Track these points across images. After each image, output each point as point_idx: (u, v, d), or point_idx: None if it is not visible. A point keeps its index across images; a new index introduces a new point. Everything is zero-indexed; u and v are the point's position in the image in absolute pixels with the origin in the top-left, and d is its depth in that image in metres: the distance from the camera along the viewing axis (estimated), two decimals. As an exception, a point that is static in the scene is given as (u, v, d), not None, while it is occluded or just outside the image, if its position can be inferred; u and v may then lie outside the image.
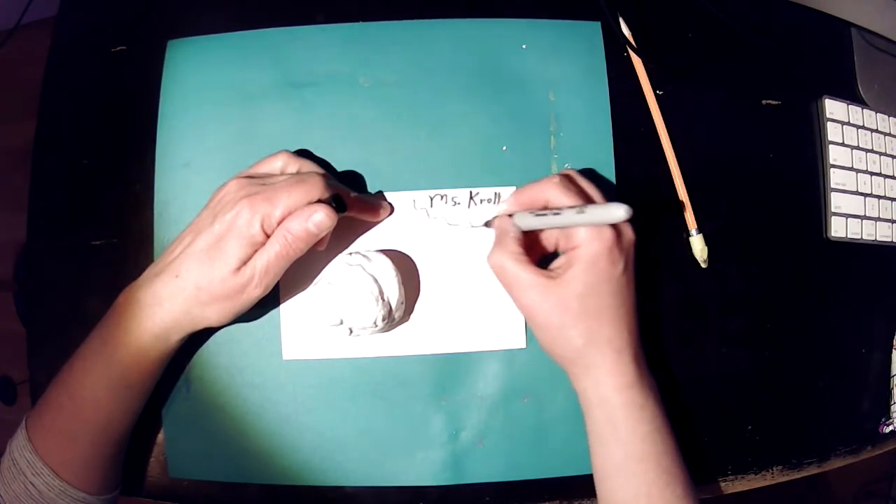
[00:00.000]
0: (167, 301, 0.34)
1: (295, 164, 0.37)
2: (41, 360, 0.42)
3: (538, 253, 0.37)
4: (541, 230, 0.37)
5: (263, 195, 0.34)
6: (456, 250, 0.41)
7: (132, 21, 0.44)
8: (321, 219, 0.34)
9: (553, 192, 0.35)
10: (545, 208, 0.35)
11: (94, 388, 0.34)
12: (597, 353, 0.34)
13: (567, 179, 0.36)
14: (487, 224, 0.39)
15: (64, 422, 0.34)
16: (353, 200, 0.37)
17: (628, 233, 0.35)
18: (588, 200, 0.36)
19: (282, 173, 0.37)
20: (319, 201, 0.34)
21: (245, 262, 0.34)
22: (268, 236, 0.34)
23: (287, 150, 0.38)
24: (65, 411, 0.34)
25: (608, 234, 0.33)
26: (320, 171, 0.37)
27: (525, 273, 0.34)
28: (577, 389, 0.36)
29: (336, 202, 0.35)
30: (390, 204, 0.41)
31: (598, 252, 0.33)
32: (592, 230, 0.33)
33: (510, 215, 0.36)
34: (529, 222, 0.35)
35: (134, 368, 0.35)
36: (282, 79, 0.42)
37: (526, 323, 0.36)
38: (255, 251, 0.34)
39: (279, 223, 0.34)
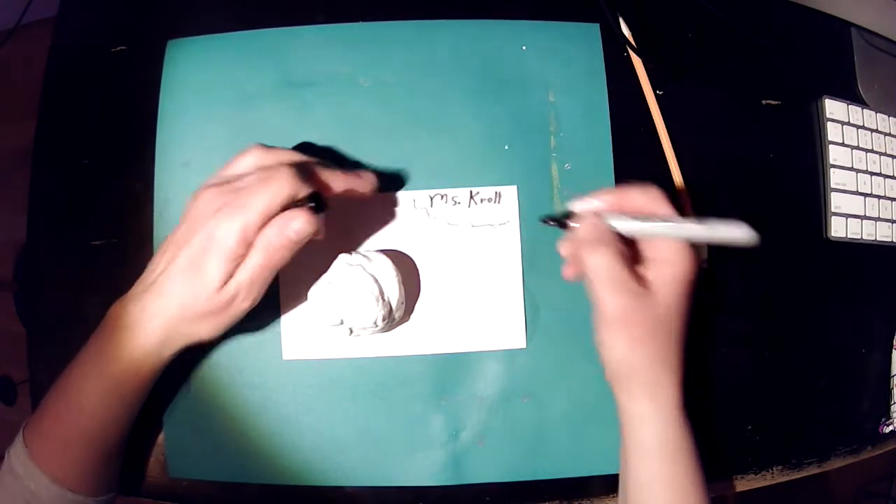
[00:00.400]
0: (155, 319, 0.33)
1: (268, 157, 0.35)
2: (41, 360, 0.42)
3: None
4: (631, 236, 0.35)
5: (236, 203, 0.32)
6: (456, 250, 0.41)
7: (132, 21, 0.44)
8: (300, 226, 0.32)
9: (653, 201, 0.34)
10: (637, 215, 0.34)
11: (88, 397, 0.34)
12: (664, 371, 0.34)
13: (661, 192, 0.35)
14: (560, 223, 0.36)
15: (60, 428, 0.34)
16: (333, 179, 0.35)
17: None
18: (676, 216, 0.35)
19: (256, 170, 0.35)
20: (298, 203, 0.33)
21: (229, 277, 0.32)
22: (249, 246, 0.32)
23: (260, 145, 0.36)
24: (61, 418, 0.34)
25: (694, 255, 0.33)
26: (294, 158, 0.35)
27: (628, 277, 0.33)
28: (627, 404, 0.35)
29: (314, 201, 0.33)
30: (373, 172, 0.38)
31: (689, 271, 0.33)
32: (686, 248, 0.33)
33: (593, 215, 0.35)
34: (634, 227, 0.33)
35: (127, 381, 0.34)
36: (282, 79, 0.42)
37: (601, 326, 0.34)
38: (238, 265, 0.32)
39: (258, 230, 0.32)
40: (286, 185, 0.32)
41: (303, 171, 0.34)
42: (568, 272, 0.36)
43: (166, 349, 0.34)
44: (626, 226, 0.34)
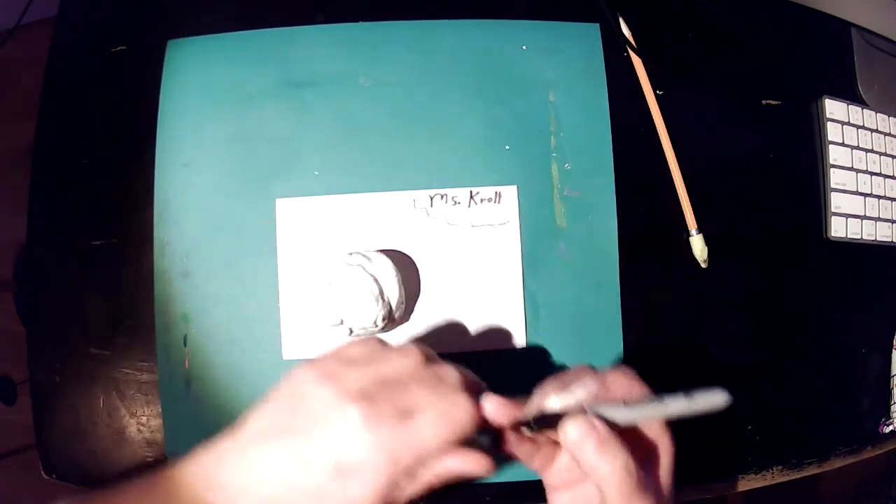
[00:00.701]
0: None
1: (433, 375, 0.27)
2: (41, 360, 0.42)
3: None
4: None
5: (403, 440, 0.25)
6: (456, 250, 0.41)
7: (132, 21, 0.44)
8: (476, 472, 0.26)
9: (633, 383, 0.30)
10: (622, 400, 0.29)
11: None
12: None
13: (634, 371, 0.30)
14: (541, 424, 0.28)
15: None
16: (499, 413, 0.28)
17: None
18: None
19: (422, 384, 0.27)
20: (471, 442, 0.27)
21: None
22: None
23: (419, 349, 0.28)
24: None
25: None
26: (461, 377, 0.28)
27: (644, 477, 0.28)
28: None
29: (492, 441, 0.27)
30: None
31: (673, 447, 0.30)
32: (665, 426, 0.30)
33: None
34: (628, 416, 0.28)
35: None
36: (282, 79, 0.42)
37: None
38: None
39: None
40: (466, 420, 0.26)
41: (476, 397, 0.27)
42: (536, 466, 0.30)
43: None
44: (621, 415, 0.29)
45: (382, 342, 0.29)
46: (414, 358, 0.28)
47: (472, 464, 0.26)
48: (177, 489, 0.26)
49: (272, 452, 0.26)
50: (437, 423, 0.26)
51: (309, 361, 0.28)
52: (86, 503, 0.27)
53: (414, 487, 0.26)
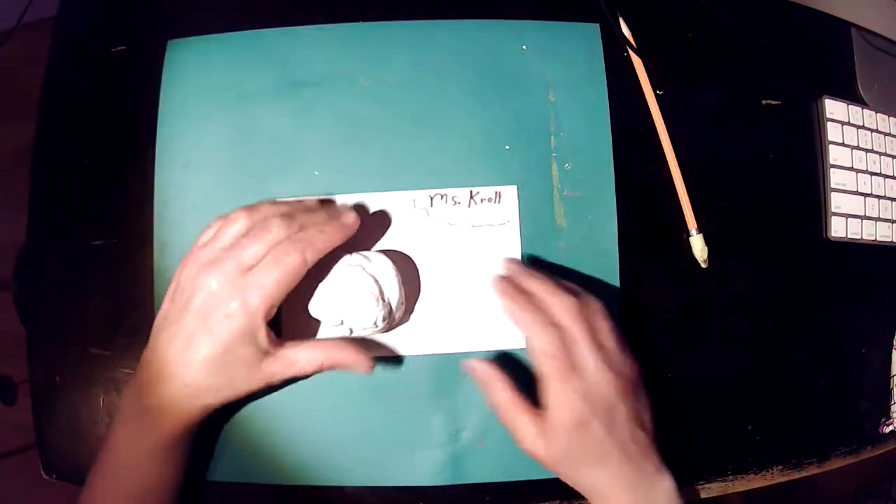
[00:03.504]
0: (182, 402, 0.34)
1: (257, 215, 0.35)
2: (41, 360, 0.42)
3: None
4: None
5: (247, 285, 0.33)
6: (456, 250, 0.41)
7: (132, 21, 0.44)
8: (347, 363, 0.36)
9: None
10: None
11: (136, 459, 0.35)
12: (594, 491, 0.35)
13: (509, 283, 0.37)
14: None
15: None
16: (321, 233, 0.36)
17: (617, 395, 0.35)
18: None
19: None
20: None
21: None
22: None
23: (244, 208, 0.36)
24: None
25: (576, 408, 0.33)
26: (281, 210, 0.36)
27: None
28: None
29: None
30: (352, 211, 0.38)
31: (566, 424, 0.34)
32: (558, 400, 0.34)
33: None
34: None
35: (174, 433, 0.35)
36: (282, 79, 0.42)
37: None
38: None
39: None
40: (300, 267, 0.34)
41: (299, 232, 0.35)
42: None
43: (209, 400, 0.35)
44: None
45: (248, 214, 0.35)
46: (256, 216, 0.35)
47: (342, 354, 0.35)
48: (124, 405, 0.36)
49: (172, 333, 0.34)
50: (270, 269, 0.33)
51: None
52: (92, 470, 0.35)
53: (283, 367, 0.35)
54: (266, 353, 0.34)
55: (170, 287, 0.35)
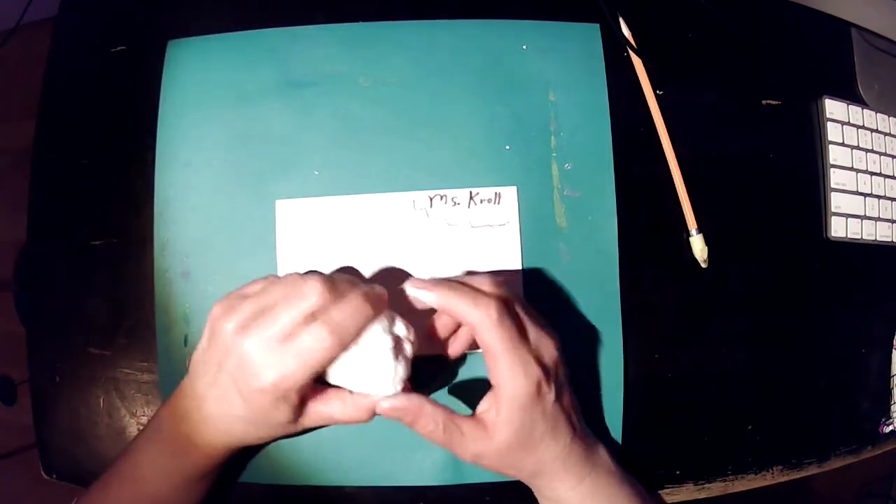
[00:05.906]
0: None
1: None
2: (41, 360, 0.42)
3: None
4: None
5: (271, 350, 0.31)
6: (456, 251, 0.41)
7: (132, 21, 0.44)
8: (344, 416, 0.34)
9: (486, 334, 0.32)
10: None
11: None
12: (544, 472, 0.35)
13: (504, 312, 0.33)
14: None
15: None
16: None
17: (558, 364, 0.34)
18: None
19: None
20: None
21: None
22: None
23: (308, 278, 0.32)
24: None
25: (533, 373, 0.32)
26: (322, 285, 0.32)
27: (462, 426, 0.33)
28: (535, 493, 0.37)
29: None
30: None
31: (523, 394, 0.32)
32: (514, 370, 0.32)
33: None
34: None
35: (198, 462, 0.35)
36: (282, 79, 0.42)
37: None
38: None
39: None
40: (336, 350, 0.32)
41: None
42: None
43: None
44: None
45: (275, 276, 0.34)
46: (291, 286, 0.32)
47: (339, 407, 0.33)
48: (159, 424, 0.35)
49: (209, 382, 0.33)
50: (307, 347, 0.31)
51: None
52: (108, 473, 0.35)
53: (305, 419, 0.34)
54: (301, 411, 0.33)
55: (206, 327, 0.33)
